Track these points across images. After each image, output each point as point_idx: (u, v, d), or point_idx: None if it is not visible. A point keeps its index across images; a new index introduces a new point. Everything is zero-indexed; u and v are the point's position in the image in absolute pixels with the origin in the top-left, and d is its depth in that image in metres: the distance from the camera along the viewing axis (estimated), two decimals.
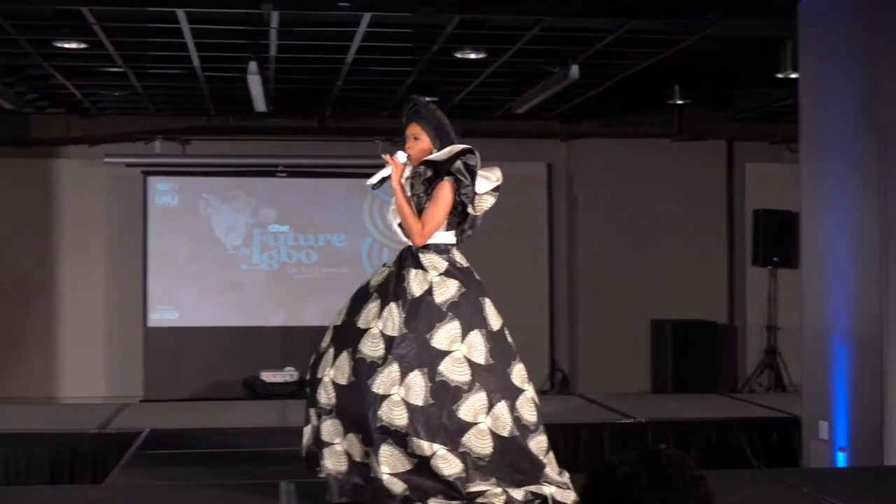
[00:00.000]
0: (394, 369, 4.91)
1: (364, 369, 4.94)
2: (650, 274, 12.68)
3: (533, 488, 5.03)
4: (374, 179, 5.20)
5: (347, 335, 5.07)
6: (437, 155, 5.26)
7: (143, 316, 12.15)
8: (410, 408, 4.87)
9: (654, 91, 10.90)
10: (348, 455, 4.99)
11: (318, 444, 5.07)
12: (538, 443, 5.08)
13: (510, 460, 4.97)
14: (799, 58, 7.62)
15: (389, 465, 4.85)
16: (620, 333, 12.54)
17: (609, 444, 8.01)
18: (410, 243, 5.22)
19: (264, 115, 11.31)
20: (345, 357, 5.02)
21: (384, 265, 5.33)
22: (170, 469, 6.63)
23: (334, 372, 5.02)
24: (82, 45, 8.77)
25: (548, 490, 5.03)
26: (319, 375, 5.07)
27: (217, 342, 11.93)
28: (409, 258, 5.18)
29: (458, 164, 5.24)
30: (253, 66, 8.80)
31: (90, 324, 12.33)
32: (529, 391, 5.17)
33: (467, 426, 4.90)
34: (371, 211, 12.31)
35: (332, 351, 5.09)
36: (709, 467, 4.75)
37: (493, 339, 5.16)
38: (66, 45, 8.78)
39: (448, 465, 4.87)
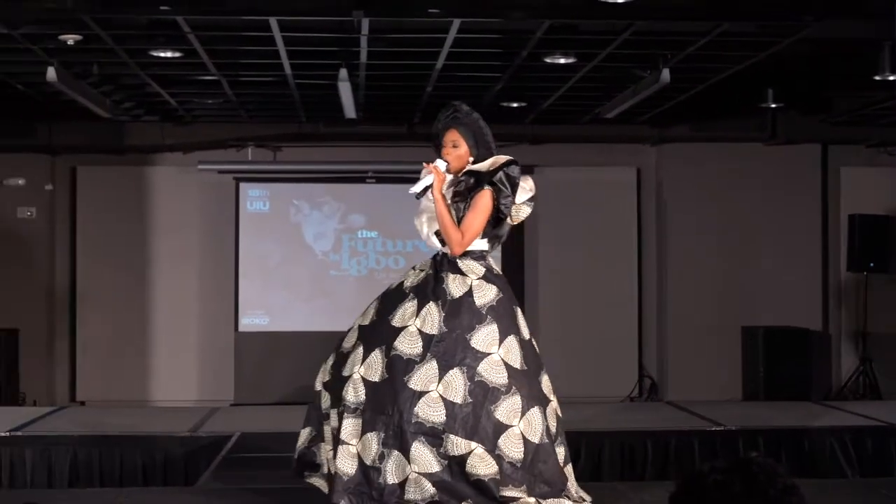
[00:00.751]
0: (432, 366, 4.93)
1: (400, 366, 4.95)
2: (741, 280, 12.53)
3: (555, 502, 5.03)
4: (419, 188, 5.19)
5: (380, 333, 5.08)
6: (482, 165, 5.24)
7: (234, 321, 12.29)
8: (448, 405, 4.88)
9: (747, 94, 10.76)
10: (359, 458, 4.98)
11: (314, 447, 5.18)
12: (560, 454, 5.11)
13: (538, 469, 4.97)
14: None
15: (419, 464, 4.85)
16: (711, 340, 12.41)
17: (699, 452, 7.92)
18: (446, 250, 5.24)
19: (354, 121, 11.39)
20: (377, 354, 5.02)
21: (414, 268, 5.35)
22: (259, 472, 6.70)
23: (365, 369, 5.01)
24: (177, 54, 8.90)
25: None
26: (347, 373, 5.06)
27: (306, 347, 11.99)
28: (445, 263, 5.22)
29: (501, 174, 5.20)
30: (343, 72, 8.86)
31: (183, 328, 12.51)
32: (554, 402, 5.20)
33: (503, 428, 4.91)
34: None
35: (360, 349, 5.09)
36: (801, 476, 4.69)
37: (526, 346, 5.17)
38: (162, 54, 8.92)
39: (484, 464, 4.87)
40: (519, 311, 5.27)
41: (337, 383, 5.11)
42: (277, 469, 6.72)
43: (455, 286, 5.13)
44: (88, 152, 12.42)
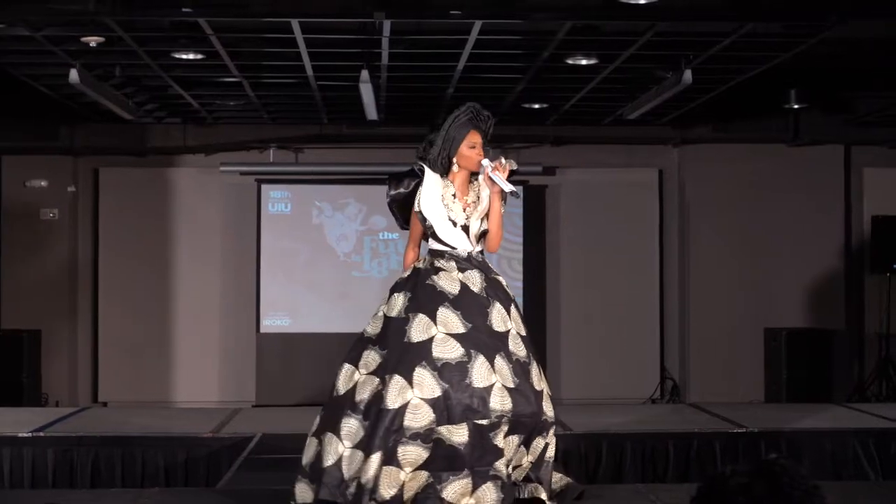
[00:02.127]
0: (482, 361, 5.10)
1: (522, 370, 5.17)
2: (764, 281, 12.48)
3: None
4: (512, 187, 5.29)
5: (490, 340, 5.15)
6: (509, 165, 5.42)
7: (256, 322, 12.31)
8: (510, 392, 5.09)
9: (770, 95, 10.72)
10: (400, 486, 4.95)
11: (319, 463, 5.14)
12: None
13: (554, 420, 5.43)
14: None
15: (507, 452, 5.11)
16: (733, 341, 12.37)
17: (721, 454, 7.89)
18: (462, 250, 5.37)
19: (376, 123, 11.40)
20: (501, 361, 5.13)
21: (442, 266, 5.34)
22: (281, 473, 6.69)
23: (500, 377, 5.09)
24: (199, 56, 8.93)
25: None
26: (485, 384, 5.02)
27: (328, 348, 11.99)
28: (483, 264, 5.44)
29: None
30: (365, 74, 8.86)
31: (205, 329, 12.54)
32: None
33: (539, 395, 5.27)
34: None
35: (481, 358, 5.07)
36: (823, 479, 4.66)
37: (518, 311, 5.49)
38: (184, 56, 8.95)
39: (544, 438, 5.26)
40: (500, 280, 5.54)
41: (461, 399, 5.03)
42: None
43: (505, 287, 5.44)
44: (111, 154, 12.46)
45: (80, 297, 12.49)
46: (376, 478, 4.89)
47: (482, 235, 5.40)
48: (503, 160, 5.35)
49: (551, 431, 5.22)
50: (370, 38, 8.29)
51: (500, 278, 5.44)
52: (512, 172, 5.36)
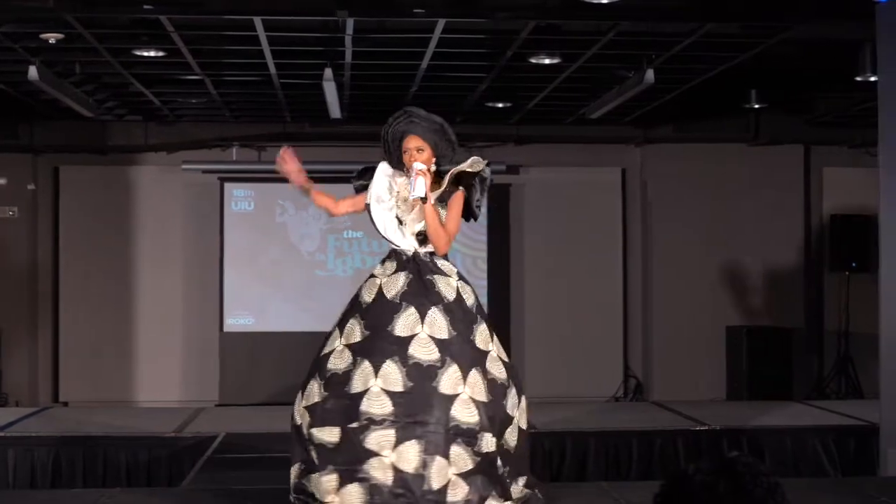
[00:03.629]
0: (454, 370, 5.05)
1: (422, 373, 5.03)
2: (725, 279, 12.56)
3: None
4: (421, 191, 5.21)
5: (383, 346, 5.11)
6: (464, 165, 5.35)
7: (219, 321, 12.26)
8: (478, 405, 5.02)
9: (731, 95, 10.80)
10: (394, 468, 4.98)
11: (304, 479, 5.14)
12: None
13: (523, 452, 5.26)
14: (878, 60, 7.50)
15: (458, 465, 4.99)
16: (695, 340, 12.44)
17: (684, 452, 7.95)
18: (406, 248, 5.35)
19: (339, 121, 11.38)
20: (391, 366, 5.05)
21: (375, 276, 5.41)
22: (244, 472, 6.69)
23: (383, 381, 5.03)
24: (160, 53, 8.89)
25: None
26: (359, 389, 5.04)
27: (292, 347, 11.98)
28: (423, 264, 5.32)
29: (478, 177, 5.36)
30: (328, 72, 8.85)
31: (167, 329, 12.48)
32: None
33: (510, 421, 5.15)
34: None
35: (367, 364, 5.08)
36: (784, 475, 4.69)
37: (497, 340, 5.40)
38: (145, 54, 8.90)
39: (506, 458, 5.10)
40: None
41: (342, 406, 5.07)
42: (263, 469, 6.72)
43: (445, 288, 5.28)
44: (71, 152, 12.37)
45: (40, 295, 12.39)
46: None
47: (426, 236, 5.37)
48: (420, 164, 5.30)
49: (454, 442, 4.96)
50: (333, 37, 8.28)
51: (439, 278, 5.27)
52: (472, 174, 5.35)
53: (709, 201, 12.56)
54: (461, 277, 5.38)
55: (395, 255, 5.40)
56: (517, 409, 5.18)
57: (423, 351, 5.07)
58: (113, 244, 12.43)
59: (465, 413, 4.98)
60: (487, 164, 5.44)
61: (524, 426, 5.25)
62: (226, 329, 12.25)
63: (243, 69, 9.67)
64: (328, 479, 5.04)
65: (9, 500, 6.23)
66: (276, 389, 11.68)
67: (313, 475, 5.11)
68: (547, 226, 12.65)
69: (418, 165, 5.28)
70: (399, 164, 5.47)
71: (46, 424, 8.41)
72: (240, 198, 12.39)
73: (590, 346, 12.48)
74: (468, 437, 4.97)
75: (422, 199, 5.23)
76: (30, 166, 12.30)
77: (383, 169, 5.53)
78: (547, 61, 9.14)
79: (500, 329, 5.87)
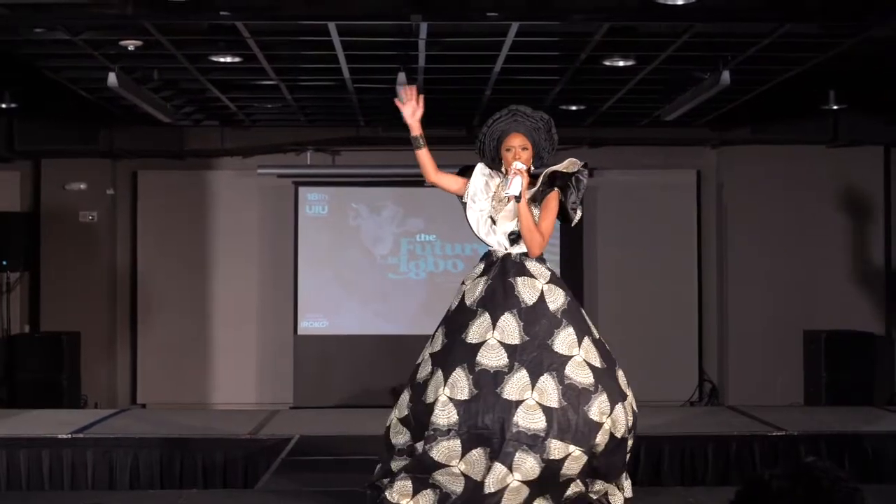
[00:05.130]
0: (522, 375, 5.00)
1: (488, 379, 5.01)
2: (802, 283, 12.39)
3: (603, 487, 5.25)
4: (516, 190, 5.20)
5: (456, 354, 5.12)
6: (560, 165, 5.32)
7: (293, 324, 12.35)
8: (546, 410, 4.96)
9: (809, 96, 10.65)
10: (465, 476, 4.98)
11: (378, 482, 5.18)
12: (628, 447, 5.30)
13: (614, 460, 5.15)
14: None
15: (522, 472, 4.92)
16: (772, 344, 12.29)
17: (760, 457, 7.85)
18: (501, 251, 5.32)
19: None
20: (460, 373, 5.06)
21: (465, 282, 5.40)
22: (318, 475, 6.72)
23: (450, 390, 5.03)
24: (237, 59, 8.96)
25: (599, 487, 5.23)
26: (431, 399, 5.07)
27: (365, 350, 12.05)
28: (511, 266, 5.28)
29: (574, 177, 5.32)
30: (402, 76, 8.87)
31: (243, 331, 12.59)
32: (630, 397, 5.33)
33: (597, 427, 5.02)
34: None
35: (439, 373, 5.11)
36: (864, 481, 4.62)
37: (599, 345, 5.29)
38: (222, 59, 8.98)
39: (578, 465, 5.00)
40: (583, 311, 5.40)
41: (420, 415, 5.13)
42: (337, 472, 6.75)
43: (527, 292, 5.20)
44: (149, 157, 12.54)
45: (118, 299, 12.57)
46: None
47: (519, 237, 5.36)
48: (519, 163, 5.29)
49: (520, 449, 4.91)
50: (407, 41, 8.29)
51: (522, 280, 5.23)
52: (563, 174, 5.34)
53: (786, 204, 12.40)
54: (553, 280, 5.30)
55: (487, 256, 5.40)
56: (608, 415, 5.06)
57: (491, 356, 5.05)
58: (189, 248, 12.57)
59: (528, 419, 4.93)
60: (584, 166, 5.41)
61: (619, 433, 5.11)
62: (300, 332, 12.33)
63: (318, 74, 9.72)
64: (403, 485, 5.08)
65: (88, 499, 6.31)
66: (350, 392, 11.75)
67: (390, 480, 5.16)
68: (621, 228, 12.58)
69: (518, 165, 5.28)
70: (495, 164, 5.46)
71: (125, 426, 8.51)
72: (314, 201, 12.47)
73: (664, 350, 12.38)
74: (532, 443, 4.91)
75: (516, 197, 5.22)
76: (109, 171, 12.48)
77: (480, 168, 5.53)
78: (621, 63, 9.08)
79: None
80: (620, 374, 5.34)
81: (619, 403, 5.13)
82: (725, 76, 8.74)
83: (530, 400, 4.96)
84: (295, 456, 7.40)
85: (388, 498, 5.10)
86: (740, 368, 12.41)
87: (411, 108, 5.56)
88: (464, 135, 12.26)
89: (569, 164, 5.35)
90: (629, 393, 5.31)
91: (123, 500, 6.34)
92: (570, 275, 12.30)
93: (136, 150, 12.37)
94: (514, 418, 4.92)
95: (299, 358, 12.28)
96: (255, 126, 12.37)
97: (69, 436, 7.87)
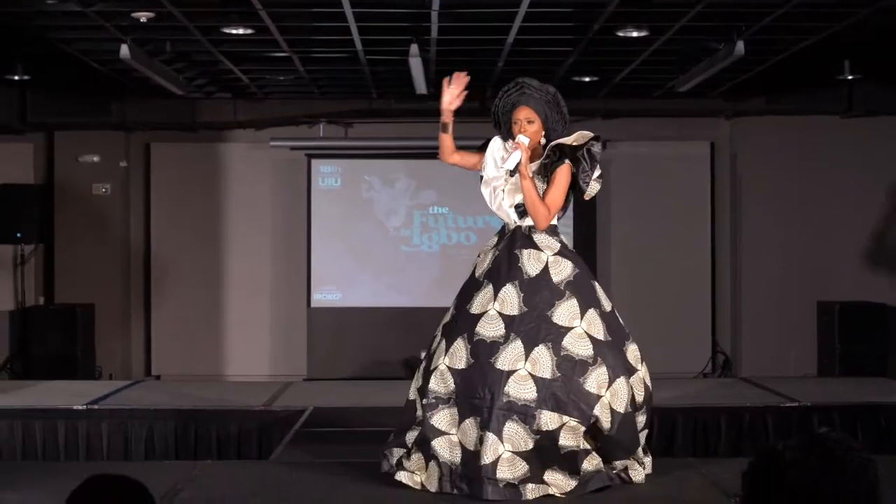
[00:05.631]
0: (517, 346, 5.01)
1: (484, 349, 5.04)
2: (817, 254, 12.35)
3: (622, 463, 5.20)
4: (512, 164, 5.20)
5: (459, 324, 5.16)
6: (568, 139, 5.30)
7: (306, 296, 12.37)
8: (538, 381, 4.96)
9: (824, 66, 10.58)
10: (462, 445, 5.00)
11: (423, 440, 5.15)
12: (640, 423, 5.25)
13: (619, 436, 5.11)
14: None
15: (513, 442, 4.91)
16: (785, 315, 12.27)
17: (773, 428, 7.84)
18: (512, 223, 5.32)
19: (425, 97, 11.37)
20: (459, 343, 5.10)
21: (480, 255, 5.42)
22: (332, 446, 6.74)
23: (449, 359, 5.07)
24: (249, 31, 8.95)
25: (619, 465, 5.21)
26: (433, 367, 5.11)
27: (378, 322, 12.07)
28: (519, 238, 5.28)
29: (585, 150, 5.29)
30: (414, 48, 8.85)
31: (256, 303, 12.62)
32: (642, 371, 5.31)
33: (594, 399, 5.01)
34: None
35: (443, 343, 5.14)
36: (877, 452, 4.61)
37: (608, 317, 5.26)
38: (234, 31, 8.97)
39: (575, 436, 4.98)
40: (597, 284, 5.37)
41: (426, 376, 5.19)
42: (350, 443, 6.77)
43: (531, 264, 5.20)
44: (162, 129, 12.54)
45: (132, 271, 12.60)
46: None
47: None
48: (523, 137, 5.27)
49: (509, 419, 4.91)
50: (419, 12, 8.26)
51: (527, 252, 5.22)
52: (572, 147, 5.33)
53: (800, 175, 12.35)
54: (561, 252, 5.28)
55: (502, 229, 5.42)
56: (606, 388, 5.04)
57: (490, 327, 5.07)
58: (203, 220, 12.59)
59: (519, 389, 4.93)
60: (596, 138, 5.37)
61: (620, 408, 5.08)
62: (313, 304, 12.35)
63: (330, 46, 9.70)
64: (417, 457, 5.11)
65: (105, 469, 6.34)
66: (363, 364, 11.78)
67: (406, 452, 5.21)
68: (634, 200, 12.55)
69: (521, 138, 5.26)
70: (509, 136, 5.46)
71: (139, 398, 8.54)
72: (327, 174, 12.47)
73: (677, 322, 12.37)
74: (524, 414, 4.91)
75: (511, 172, 5.21)
76: (122, 144, 12.49)
77: (495, 142, 5.52)
78: (635, 34, 9.04)
79: None
80: (633, 348, 5.31)
81: (622, 377, 5.11)
82: (739, 46, 8.69)
83: (522, 370, 4.96)
84: (308, 427, 7.42)
85: (407, 467, 5.13)
86: (753, 340, 12.40)
87: (450, 97, 5.47)
88: (476, 107, 12.20)
89: (578, 137, 5.33)
90: (641, 368, 5.28)
91: (139, 471, 6.37)
92: (583, 247, 12.29)
93: (149, 122, 12.37)
94: (506, 388, 4.93)
95: (313, 330, 12.31)
96: (268, 98, 12.36)
97: (84, 407, 7.90)
